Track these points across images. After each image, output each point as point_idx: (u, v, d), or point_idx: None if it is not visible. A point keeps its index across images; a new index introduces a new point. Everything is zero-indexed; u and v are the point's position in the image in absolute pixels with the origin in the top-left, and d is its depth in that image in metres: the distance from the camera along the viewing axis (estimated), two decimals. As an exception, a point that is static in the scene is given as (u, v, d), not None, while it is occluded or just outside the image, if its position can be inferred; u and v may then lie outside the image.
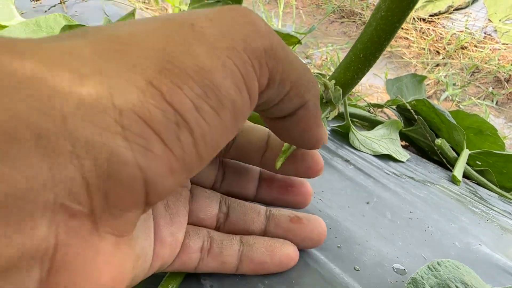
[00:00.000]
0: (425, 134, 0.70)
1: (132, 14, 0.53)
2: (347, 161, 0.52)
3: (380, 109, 0.98)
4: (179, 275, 0.29)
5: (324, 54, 2.07)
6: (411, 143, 0.82)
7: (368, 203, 0.44)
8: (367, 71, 0.36)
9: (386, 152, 0.57)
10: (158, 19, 0.17)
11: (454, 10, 2.40)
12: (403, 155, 0.60)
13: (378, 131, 0.63)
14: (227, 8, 0.19)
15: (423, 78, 0.99)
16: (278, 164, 0.28)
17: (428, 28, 2.34)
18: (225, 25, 0.18)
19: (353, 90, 1.63)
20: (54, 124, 0.13)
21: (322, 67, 1.92)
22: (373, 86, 1.83)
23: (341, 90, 0.35)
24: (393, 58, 2.19)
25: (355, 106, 0.79)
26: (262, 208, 0.31)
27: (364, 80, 1.86)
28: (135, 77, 0.15)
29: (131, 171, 0.15)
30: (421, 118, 0.70)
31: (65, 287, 0.15)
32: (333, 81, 0.36)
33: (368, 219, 0.41)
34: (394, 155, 0.57)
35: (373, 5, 2.51)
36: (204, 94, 0.16)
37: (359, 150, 0.57)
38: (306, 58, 2.03)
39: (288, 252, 0.30)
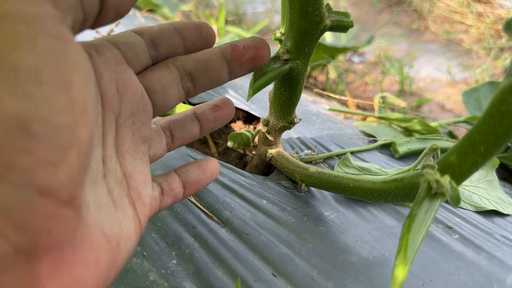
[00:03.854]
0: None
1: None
2: (450, 228, 0.45)
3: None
4: None
5: (377, 49, 1.96)
6: (500, 166, 0.73)
7: (489, 293, 0.37)
8: (487, 161, 0.29)
9: (490, 208, 0.49)
10: None
11: (513, -14, 2.22)
12: (508, 203, 0.52)
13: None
14: None
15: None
16: (248, 98, 0.38)
17: (485, 10, 2.18)
18: None
19: (414, 88, 1.53)
20: None
21: (377, 64, 1.82)
22: (435, 81, 1.72)
23: (459, 190, 0.29)
24: (451, 46, 2.05)
25: (433, 132, 0.70)
26: (190, 112, 0.37)
27: (424, 74, 1.75)
28: None
29: (16, 197, 0.16)
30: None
31: None
32: (448, 178, 0.29)
33: (496, 320, 0.34)
34: (500, 209, 0.49)
35: (423, -11, 2.37)
36: (15, 77, 0.16)
37: (458, 206, 0.49)
38: (359, 55, 1.93)
39: (213, 165, 0.37)
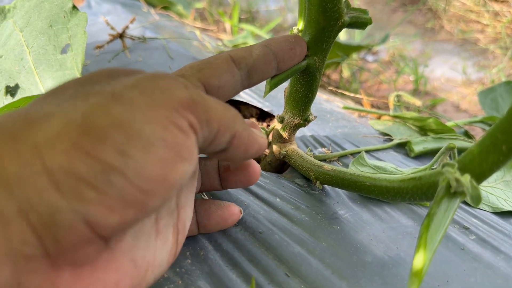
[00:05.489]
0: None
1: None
2: (466, 229, 0.45)
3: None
4: None
5: (391, 48, 1.94)
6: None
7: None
8: (509, 160, 0.29)
9: (509, 209, 0.48)
10: (81, 94, 0.22)
11: (531, -15, 2.18)
12: (526, 204, 0.51)
13: (490, 173, 0.54)
14: (147, 77, 0.24)
15: (520, 84, 0.88)
16: (265, 94, 0.37)
17: (502, 9, 2.15)
18: (144, 87, 0.22)
19: (428, 88, 1.51)
20: (2, 193, 0.17)
21: (391, 63, 1.80)
22: (450, 80, 1.70)
23: (479, 189, 0.28)
24: (467, 45, 2.03)
25: (448, 131, 0.69)
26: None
27: (439, 74, 1.73)
28: (61, 143, 0.18)
29: (68, 217, 0.18)
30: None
31: None
32: (468, 176, 0.29)
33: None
34: (517, 210, 0.49)
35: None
36: (126, 140, 0.19)
37: (475, 207, 0.49)
38: (373, 54, 1.91)
39: (221, 214, 0.37)
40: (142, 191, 0.20)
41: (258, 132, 0.31)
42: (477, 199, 0.28)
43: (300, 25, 0.45)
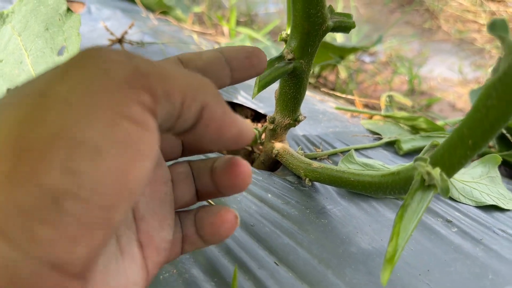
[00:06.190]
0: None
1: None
2: (449, 222, 0.47)
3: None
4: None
5: (389, 49, 1.96)
6: (505, 164, 0.74)
7: (483, 283, 0.38)
8: (476, 154, 0.31)
9: (491, 203, 0.51)
10: (12, 99, 0.18)
11: (527, -15, 2.20)
12: (509, 198, 0.53)
13: (475, 169, 0.56)
14: (78, 58, 0.19)
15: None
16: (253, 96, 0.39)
17: (498, 9, 2.17)
18: (77, 74, 0.18)
19: (425, 87, 1.53)
20: None
21: (389, 64, 1.82)
22: (446, 80, 1.72)
23: (448, 180, 0.30)
24: (464, 45, 2.04)
25: (438, 130, 0.72)
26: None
27: (436, 74, 1.75)
28: None
29: (28, 267, 0.15)
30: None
31: None
32: (438, 170, 0.31)
33: (489, 308, 0.35)
34: (500, 204, 0.51)
35: (436, -11, 2.36)
36: (69, 154, 0.16)
37: (459, 201, 0.51)
38: (371, 55, 1.93)
39: (211, 221, 0.30)
40: (103, 207, 0.16)
41: (241, 118, 0.26)
42: (445, 191, 0.30)
43: (289, 30, 0.48)
